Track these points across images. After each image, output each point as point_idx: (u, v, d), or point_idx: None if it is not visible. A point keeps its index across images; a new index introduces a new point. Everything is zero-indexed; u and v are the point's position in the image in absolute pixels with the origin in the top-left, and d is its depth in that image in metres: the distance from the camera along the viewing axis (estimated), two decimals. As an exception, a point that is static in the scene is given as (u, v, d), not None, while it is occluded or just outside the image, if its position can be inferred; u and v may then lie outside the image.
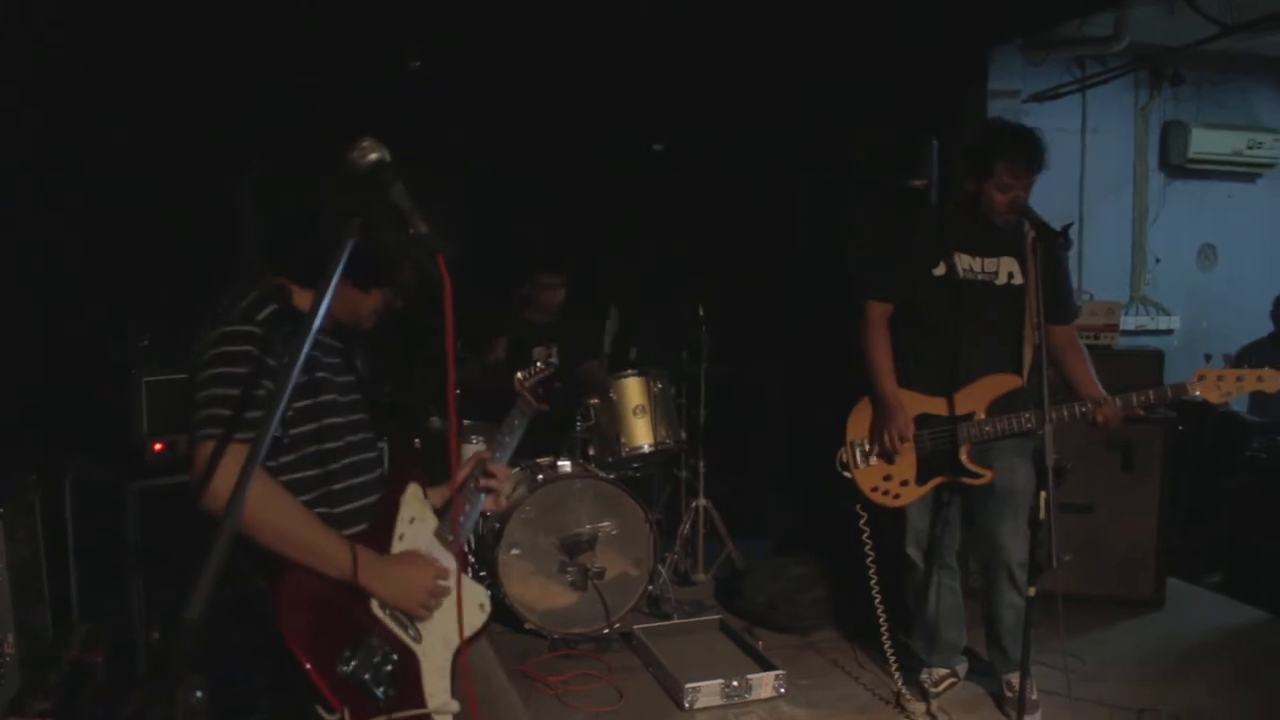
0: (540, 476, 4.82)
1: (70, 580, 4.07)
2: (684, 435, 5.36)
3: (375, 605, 2.18)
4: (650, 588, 4.95)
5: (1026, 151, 3.65)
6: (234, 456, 1.99)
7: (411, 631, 2.24)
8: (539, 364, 2.95)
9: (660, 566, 5.02)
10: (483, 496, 2.61)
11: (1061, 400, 3.62)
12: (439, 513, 2.47)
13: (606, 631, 4.71)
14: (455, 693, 2.28)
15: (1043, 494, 3.17)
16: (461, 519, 2.50)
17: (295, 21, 4.86)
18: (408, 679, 2.19)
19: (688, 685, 4.03)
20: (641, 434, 5.13)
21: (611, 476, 4.98)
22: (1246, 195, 7.41)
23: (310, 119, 4.92)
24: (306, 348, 1.71)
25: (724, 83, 5.77)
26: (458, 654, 2.32)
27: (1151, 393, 3.59)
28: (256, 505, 1.94)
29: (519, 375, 2.94)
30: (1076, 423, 3.65)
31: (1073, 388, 3.78)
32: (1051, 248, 3.49)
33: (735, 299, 6.15)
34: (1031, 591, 3.25)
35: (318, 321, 1.73)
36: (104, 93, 4.61)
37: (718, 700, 4.06)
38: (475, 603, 2.43)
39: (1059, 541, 3.13)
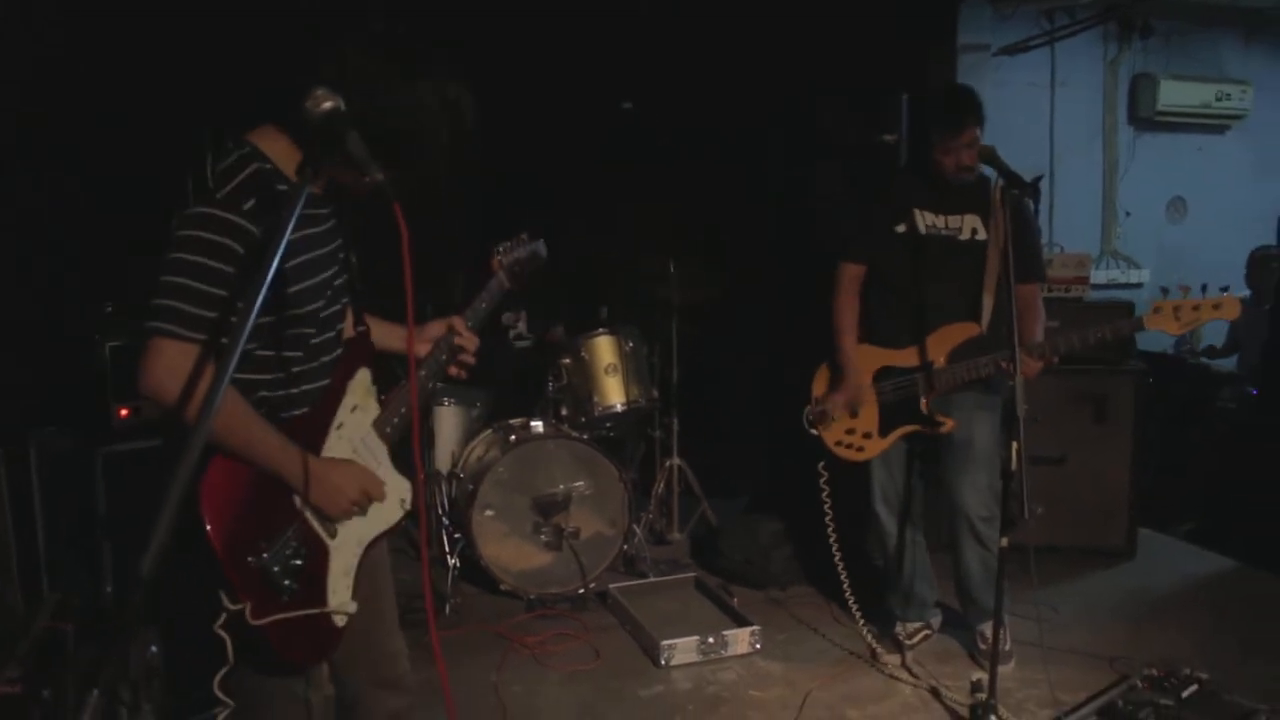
0: (513, 437, 4.80)
1: (39, 550, 4.04)
2: (656, 393, 5.34)
3: (299, 499, 2.15)
4: (625, 547, 4.95)
5: (955, 112, 3.70)
6: (184, 356, 1.94)
7: (328, 527, 2.21)
8: (523, 236, 2.83)
9: (635, 526, 5.02)
10: (436, 370, 2.55)
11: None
12: (384, 401, 2.41)
13: (582, 591, 4.71)
14: (356, 594, 2.25)
15: (1014, 444, 3.18)
16: (404, 409, 2.41)
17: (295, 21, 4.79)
18: (314, 576, 2.16)
19: (664, 643, 4.03)
20: (614, 393, 5.11)
21: (585, 436, 4.97)
22: (1216, 147, 7.44)
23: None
24: (282, 247, 1.66)
25: (691, 40, 5.71)
26: (366, 551, 2.30)
27: (1108, 328, 3.58)
28: (198, 406, 1.89)
29: (498, 249, 2.80)
30: (1001, 371, 3.64)
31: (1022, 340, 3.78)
32: (1021, 205, 3.48)
33: (707, 255, 6.12)
34: (1004, 543, 3.26)
35: (289, 230, 1.69)
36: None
37: (694, 657, 4.07)
38: (395, 498, 2.37)
39: (1030, 493, 3.13)
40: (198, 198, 1.98)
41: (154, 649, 1.36)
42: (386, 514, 2.35)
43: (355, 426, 2.32)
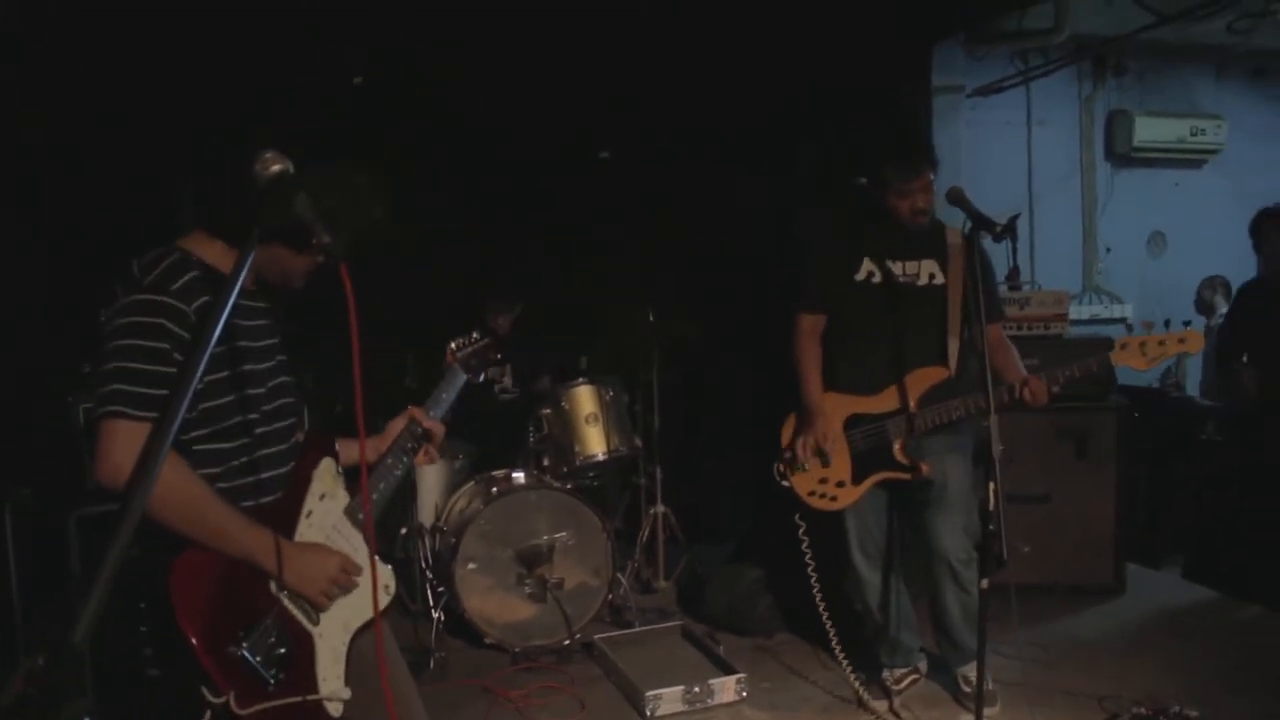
0: (495, 489, 4.78)
1: (13, 611, 3.99)
2: (639, 441, 5.33)
3: (274, 586, 2.11)
4: (611, 596, 4.91)
5: (910, 158, 3.70)
6: (137, 436, 1.92)
7: (310, 614, 2.18)
8: (475, 335, 2.85)
9: (620, 575, 4.98)
10: (405, 460, 2.52)
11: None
12: (351, 489, 2.39)
13: (567, 642, 4.67)
14: (349, 679, 2.22)
15: (991, 485, 3.16)
16: (375, 495, 2.42)
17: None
18: (300, 663, 2.13)
19: (649, 693, 3.99)
20: (595, 442, 5.08)
21: (568, 486, 4.94)
22: (1193, 182, 7.49)
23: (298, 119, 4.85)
24: (222, 321, 1.67)
25: (671, 85, 5.76)
26: (355, 639, 2.26)
27: (1076, 366, 3.59)
28: (162, 490, 1.84)
29: (452, 344, 2.82)
30: (1001, 405, 3.62)
31: (998, 376, 3.77)
32: (978, 245, 3.47)
33: (689, 303, 6.14)
34: (984, 584, 3.23)
35: (233, 295, 1.68)
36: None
37: (680, 707, 4.02)
38: (379, 584, 2.30)
39: (1011, 532, 3.11)
40: (126, 290, 2.01)
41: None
42: (370, 600, 2.29)
43: (325, 514, 2.30)
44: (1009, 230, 3.69)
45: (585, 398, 5.12)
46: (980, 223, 3.39)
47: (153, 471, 1.52)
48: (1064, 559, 5.09)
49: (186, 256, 2.07)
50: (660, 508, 5.56)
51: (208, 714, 1.93)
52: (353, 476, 2.38)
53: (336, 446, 2.40)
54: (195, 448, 2.07)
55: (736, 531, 5.89)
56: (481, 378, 2.83)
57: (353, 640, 2.27)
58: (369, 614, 2.29)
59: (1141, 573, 5.39)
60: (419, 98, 5.55)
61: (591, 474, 5.36)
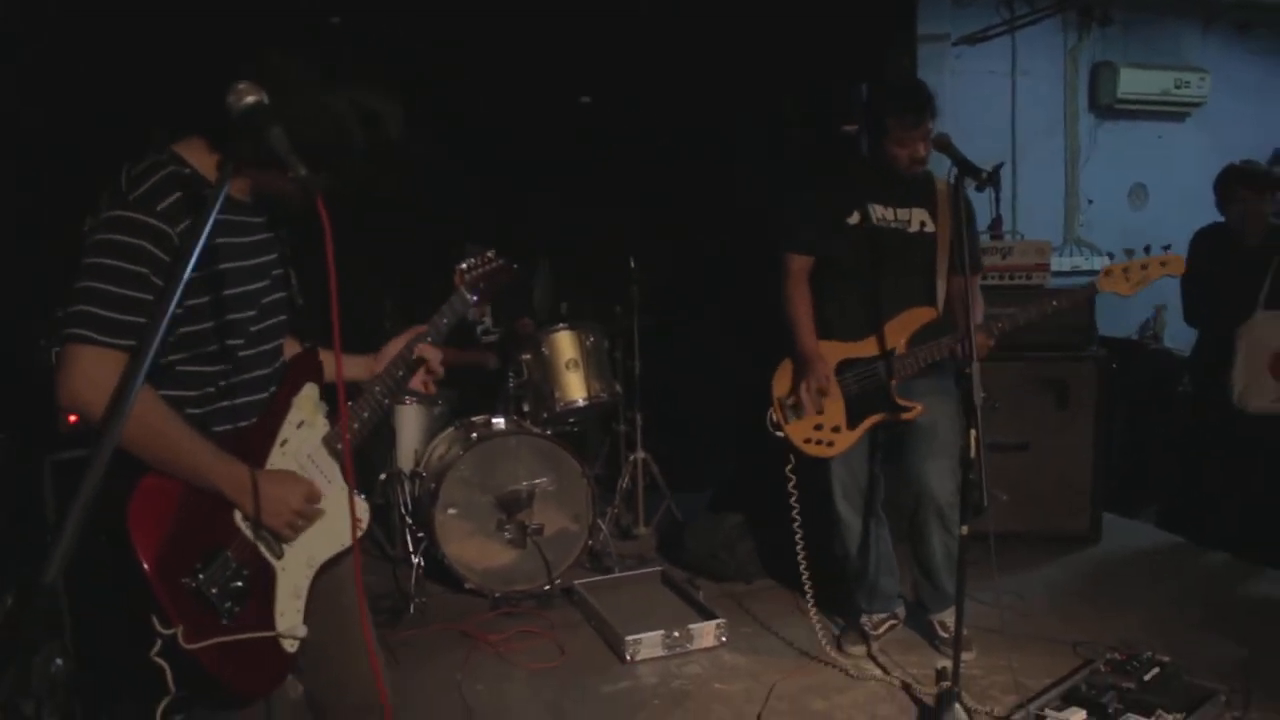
0: (475, 435, 4.76)
1: (-11, 557, 3.97)
2: (619, 388, 5.31)
3: (238, 516, 2.07)
4: (591, 542, 4.91)
5: (913, 104, 3.69)
6: (100, 362, 1.87)
7: (273, 547, 2.13)
8: (489, 254, 2.73)
9: (600, 521, 4.99)
10: (394, 389, 2.47)
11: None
12: (332, 418, 2.34)
13: (547, 588, 4.68)
14: (308, 618, 2.17)
15: (972, 432, 3.17)
16: (357, 425, 2.35)
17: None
18: (259, 598, 2.08)
19: (628, 638, 4.01)
20: (575, 388, 5.07)
21: (548, 432, 4.93)
22: (1175, 135, 7.48)
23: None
24: (196, 251, 1.62)
25: (651, 35, 5.69)
26: (319, 575, 2.22)
27: (1064, 297, 3.63)
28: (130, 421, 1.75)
29: (461, 266, 2.71)
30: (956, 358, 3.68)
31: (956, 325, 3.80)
32: (963, 192, 3.47)
33: (669, 250, 6.11)
34: (964, 530, 3.25)
35: (207, 227, 1.64)
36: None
37: (659, 651, 4.04)
38: (349, 518, 2.24)
39: (990, 481, 3.12)
40: (111, 201, 1.92)
41: (59, 661, 1.30)
42: (339, 534, 2.26)
43: (302, 443, 2.25)
44: (992, 179, 3.69)
45: (566, 343, 5.10)
46: (966, 170, 3.39)
47: (124, 410, 1.49)
48: (1041, 508, 5.13)
49: (179, 170, 1.98)
50: (640, 454, 5.57)
51: (157, 644, 1.88)
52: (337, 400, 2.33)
53: (323, 368, 2.33)
54: (174, 370, 2.02)
55: (716, 478, 5.92)
56: (479, 302, 2.73)
57: (316, 576, 2.22)
58: (334, 549, 2.26)
59: (1117, 522, 5.43)
60: (401, 38, 5.47)
61: (572, 420, 5.35)
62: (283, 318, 2.27)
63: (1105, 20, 7.20)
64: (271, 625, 2.10)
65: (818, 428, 3.90)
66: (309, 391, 2.29)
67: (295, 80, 1.95)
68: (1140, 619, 4.27)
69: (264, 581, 2.11)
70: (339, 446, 2.31)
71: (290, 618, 2.14)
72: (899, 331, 3.80)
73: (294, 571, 2.17)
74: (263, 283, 2.18)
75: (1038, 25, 6.78)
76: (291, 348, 2.38)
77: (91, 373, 1.87)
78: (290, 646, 2.14)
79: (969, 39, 6.72)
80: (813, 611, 4.07)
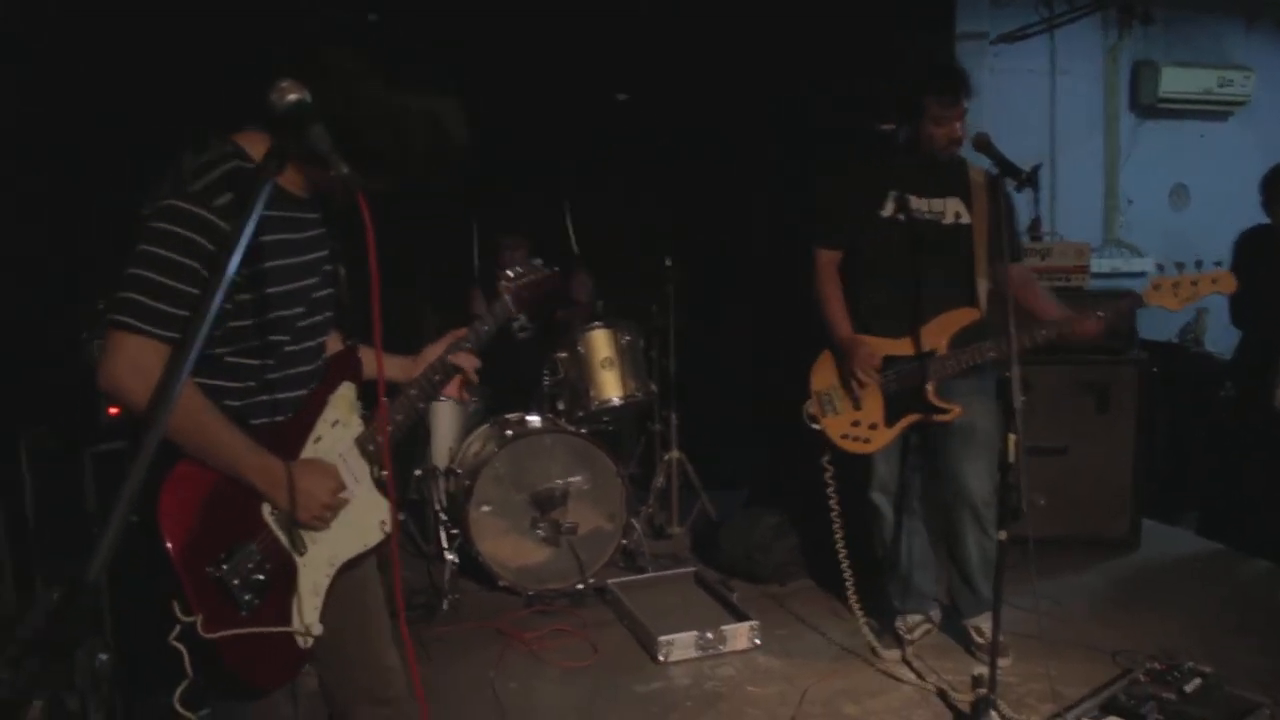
0: (509, 432, 4.76)
1: (30, 548, 4.01)
2: (654, 387, 5.31)
3: (266, 509, 2.08)
4: (624, 542, 4.91)
5: (951, 82, 3.69)
6: (142, 351, 1.88)
7: (297, 543, 2.14)
8: (538, 262, 2.75)
9: (634, 520, 4.99)
10: (430, 393, 2.48)
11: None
12: (366, 418, 2.34)
13: (580, 587, 4.68)
14: (325, 614, 2.18)
15: (1011, 436, 3.13)
16: (389, 428, 2.35)
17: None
18: (278, 592, 2.09)
19: (661, 638, 4.00)
20: (611, 387, 5.06)
21: (582, 430, 4.93)
22: (1218, 134, 7.38)
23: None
24: (239, 250, 1.62)
25: (688, 33, 5.67)
26: (339, 574, 2.23)
27: (1110, 306, 3.56)
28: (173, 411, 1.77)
29: (508, 273, 2.73)
30: (1051, 341, 3.63)
31: (1037, 316, 3.75)
32: (1003, 186, 3.46)
33: (704, 248, 6.09)
34: (1003, 535, 3.21)
35: (249, 227, 1.64)
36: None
37: (692, 652, 4.03)
38: (375, 519, 2.30)
39: (1029, 485, 3.09)
40: (171, 190, 1.92)
41: (103, 657, 1.31)
42: (363, 535, 2.27)
43: (335, 441, 2.25)
44: (1031, 180, 3.65)
45: (602, 342, 5.09)
46: (1006, 169, 3.37)
47: (168, 407, 1.49)
48: (1080, 512, 5.08)
49: (242, 165, 1.97)
50: (675, 453, 5.55)
51: (176, 629, 1.89)
52: (374, 399, 2.30)
53: (361, 367, 2.34)
54: (219, 361, 2.03)
55: (751, 478, 5.90)
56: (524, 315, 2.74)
57: (337, 575, 2.23)
58: (356, 549, 2.26)
59: (1157, 528, 5.37)
60: (431, 35, 5.48)
61: (606, 418, 5.34)
62: (329, 314, 2.28)
63: (1146, 18, 7.11)
64: (288, 620, 2.11)
65: (855, 424, 3.87)
66: (345, 390, 2.29)
67: (357, 81, 1.96)
68: (1181, 627, 4.21)
69: (285, 576, 2.12)
70: (370, 448, 2.32)
71: (307, 614, 2.15)
72: (940, 332, 3.76)
73: (315, 569, 2.18)
74: (312, 279, 2.18)
75: (1077, 23, 6.73)
76: (334, 344, 2.38)
77: (135, 360, 1.88)
78: (305, 642, 2.15)
79: (1008, 37, 6.67)
80: (855, 604, 4.04)
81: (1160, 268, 7.03)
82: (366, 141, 1.93)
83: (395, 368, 2.48)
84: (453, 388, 2.54)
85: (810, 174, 6.04)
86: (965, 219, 3.83)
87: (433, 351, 2.51)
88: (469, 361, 2.52)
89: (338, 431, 2.26)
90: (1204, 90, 7.11)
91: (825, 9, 5.71)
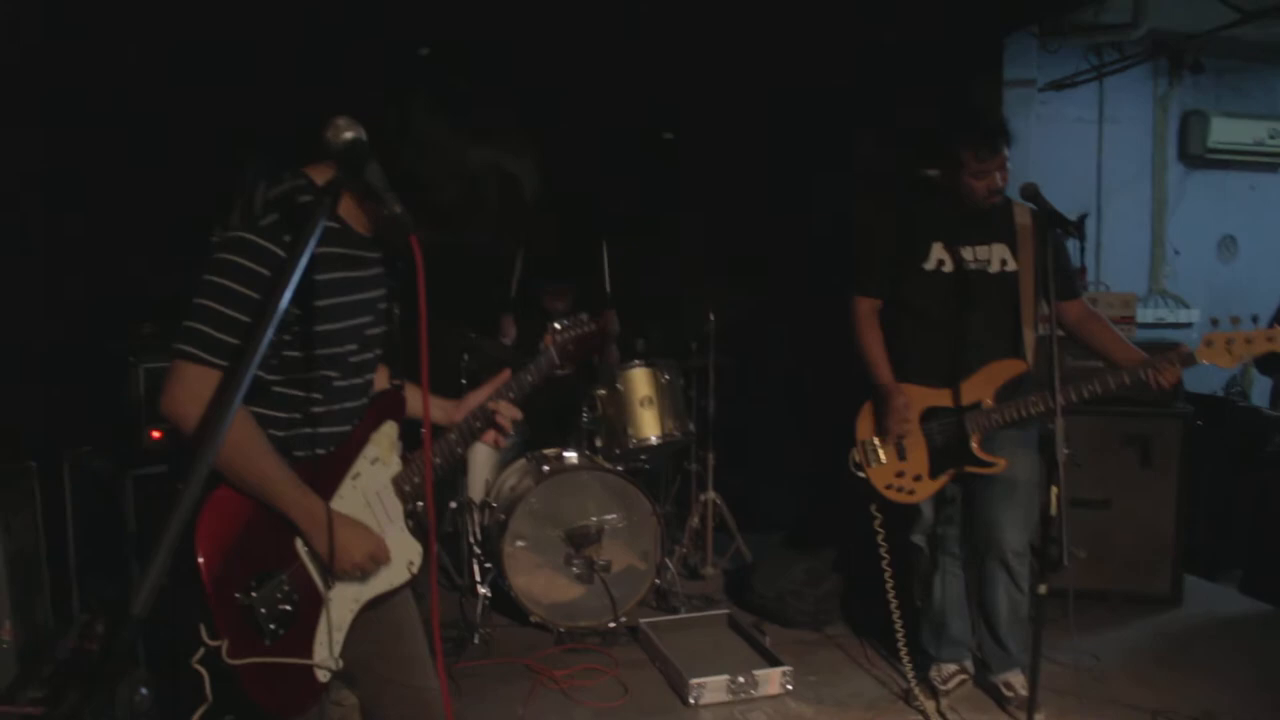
0: (546, 468, 4.77)
1: (70, 569, 4.05)
2: (692, 426, 5.29)
3: (300, 542, 2.10)
4: (658, 581, 4.89)
5: (988, 135, 3.62)
6: (202, 380, 1.92)
7: (326, 578, 2.15)
8: (584, 317, 2.74)
9: (668, 560, 4.97)
10: (469, 439, 2.48)
11: (1074, 381, 3.52)
12: (405, 458, 2.35)
13: (613, 625, 4.66)
14: (345, 651, 2.18)
15: (1054, 489, 3.10)
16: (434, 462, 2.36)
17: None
18: (302, 624, 2.10)
19: (693, 681, 3.97)
20: (649, 425, 5.06)
21: (619, 468, 4.93)
22: (1269, 185, 7.29)
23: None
24: (292, 285, 1.64)
25: (736, 72, 5.70)
26: (362, 611, 2.23)
27: (1159, 361, 3.48)
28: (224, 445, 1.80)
29: (556, 325, 2.72)
30: (1097, 395, 3.54)
31: (1108, 357, 3.69)
32: (1050, 226, 3.42)
33: (746, 290, 6.09)
34: (1043, 589, 3.17)
35: (303, 260, 1.66)
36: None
37: (724, 696, 4.00)
38: (404, 559, 2.31)
39: (1070, 537, 3.05)
40: (241, 222, 1.96)
41: (144, 691, 1.32)
42: (391, 575, 2.29)
43: (372, 479, 2.27)
44: (1079, 228, 3.62)
45: (641, 380, 5.10)
46: (1054, 220, 3.35)
47: (217, 439, 1.51)
48: (1121, 567, 5.00)
49: (304, 201, 1.99)
50: (711, 494, 5.53)
51: (200, 651, 1.92)
52: (415, 439, 2.33)
53: (405, 406, 2.36)
54: (269, 390, 2.06)
55: (786, 521, 5.86)
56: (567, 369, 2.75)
57: (360, 612, 2.24)
58: (383, 588, 2.27)
59: (1199, 584, 5.28)
60: (470, 69, 5.54)
61: (643, 457, 5.33)
62: (380, 351, 2.30)
63: (1197, 68, 7.05)
64: (309, 653, 2.12)
65: (900, 474, 3.82)
66: (387, 429, 2.31)
67: (435, 136, 1.98)
68: (1222, 688, 4.12)
69: (311, 609, 2.13)
70: (407, 488, 2.33)
71: (329, 648, 2.16)
72: (986, 384, 3.71)
73: (341, 604, 2.19)
74: (367, 317, 2.20)
75: (1127, 72, 6.68)
76: (381, 380, 2.41)
77: (195, 390, 1.92)
78: (322, 677, 2.15)
79: (1056, 85, 6.63)
80: (904, 651, 3.98)
81: (1215, 322, 6.94)
82: (435, 197, 1.97)
83: (438, 410, 2.49)
84: (488, 435, 2.54)
85: (852, 216, 6.07)
86: (1011, 266, 3.78)
87: (475, 398, 2.52)
88: (508, 411, 2.52)
89: (376, 469, 2.28)
90: (1254, 141, 7.04)
91: (873, 55, 5.72)
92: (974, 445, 3.70)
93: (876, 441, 3.83)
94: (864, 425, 3.89)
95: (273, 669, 2.02)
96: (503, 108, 2.09)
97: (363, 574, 2.19)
